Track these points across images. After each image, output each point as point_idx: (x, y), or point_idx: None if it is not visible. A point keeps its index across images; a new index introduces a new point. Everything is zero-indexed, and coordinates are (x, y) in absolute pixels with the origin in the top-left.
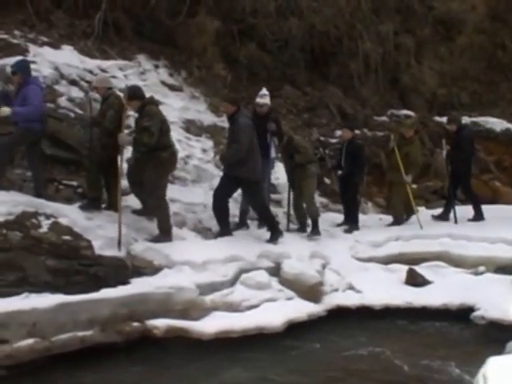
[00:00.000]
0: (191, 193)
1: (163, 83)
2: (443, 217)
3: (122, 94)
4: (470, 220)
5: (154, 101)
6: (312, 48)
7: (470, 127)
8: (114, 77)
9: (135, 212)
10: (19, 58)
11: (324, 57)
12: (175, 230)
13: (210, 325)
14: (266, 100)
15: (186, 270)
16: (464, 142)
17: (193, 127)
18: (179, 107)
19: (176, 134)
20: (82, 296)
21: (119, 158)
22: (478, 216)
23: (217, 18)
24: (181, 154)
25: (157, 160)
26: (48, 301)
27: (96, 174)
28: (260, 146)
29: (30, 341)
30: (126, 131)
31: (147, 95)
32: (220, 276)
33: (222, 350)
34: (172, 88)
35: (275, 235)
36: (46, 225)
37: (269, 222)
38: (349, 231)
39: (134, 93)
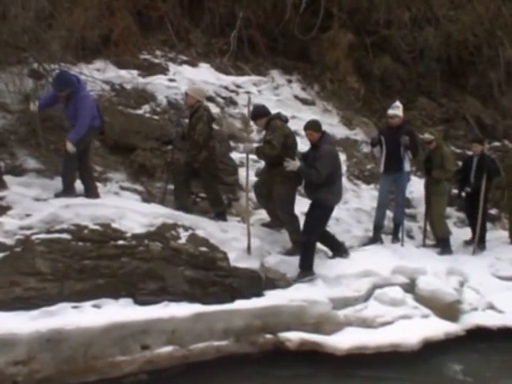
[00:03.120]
0: None
1: (296, 97)
2: None
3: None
4: None
5: (280, 116)
6: (448, 58)
7: None
8: (248, 92)
9: (265, 225)
10: (57, 73)
11: (461, 66)
12: None
13: (344, 340)
14: (397, 111)
15: (319, 284)
16: None
17: None
18: None
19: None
20: (218, 306)
21: (245, 170)
22: None
23: (350, 31)
24: None
25: (283, 175)
26: (186, 310)
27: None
28: (392, 158)
29: (169, 348)
30: (254, 144)
31: (279, 110)
32: (353, 291)
33: (355, 367)
34: (305, 102)
35: (303, 273)
36: (184, 236)
37: (302, 251)
38: (478, 250)
39: (258, 111)
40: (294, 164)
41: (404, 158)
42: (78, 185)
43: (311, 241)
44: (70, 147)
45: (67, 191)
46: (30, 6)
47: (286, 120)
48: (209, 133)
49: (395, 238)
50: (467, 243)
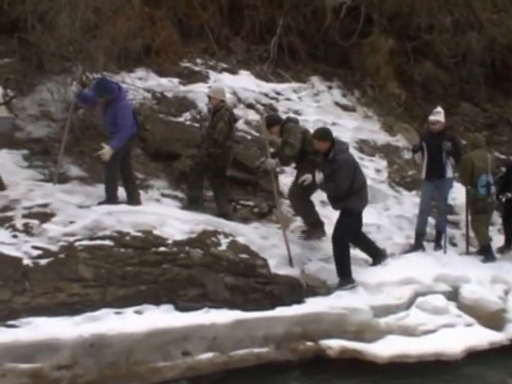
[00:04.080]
0: (364, 213)
1: (336, 104)
2: None
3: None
4: None
5: (291, 119)
6: (492, 62)
7: None
8: (288, 99)
9: (304, 232)
10: (98, 80)
11: (506, 71)
12: None
13: (385, 348)
14: (438, 117)
15: (360, 292)
16: None
17: (366, 147)
18: (352, 127)
19: None
20: (259, 313)
21: (274, 184)
22: None
23: (390, 36)
24: None
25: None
26: (227, 317)
27: (197, 176)
28: (434, 165)
29: (210, 354)
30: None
31: (320, 116)
32: (395, 299)
33: (397, 375)
34: (345, 108)
35: (344, 281)
36: (224, 243)
37: (336, 260)
38: None
39: (271, 120)
40: (309, 177)
41: (446, 164)
42: (121, 192)
43: (343, 248)
44: (108, 154)
45: (110, 199)
46: (76, 16)
47: (296, 121)
48: (228, 132)
49: (437, 246)
50: (500, 251)
